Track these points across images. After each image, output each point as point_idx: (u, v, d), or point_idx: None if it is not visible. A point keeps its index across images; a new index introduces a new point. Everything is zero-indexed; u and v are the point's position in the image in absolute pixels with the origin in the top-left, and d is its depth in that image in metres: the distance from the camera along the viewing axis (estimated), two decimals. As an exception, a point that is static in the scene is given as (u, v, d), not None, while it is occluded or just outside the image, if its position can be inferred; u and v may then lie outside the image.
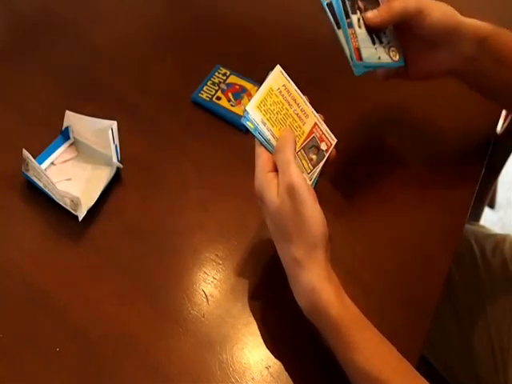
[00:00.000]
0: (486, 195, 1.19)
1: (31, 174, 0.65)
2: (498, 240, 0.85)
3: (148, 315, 0.59)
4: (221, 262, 0.63)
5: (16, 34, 0.83)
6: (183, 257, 0.63)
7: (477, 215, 1.23)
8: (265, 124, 0.55)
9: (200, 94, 0.75)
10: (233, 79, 0.77)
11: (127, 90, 0.77)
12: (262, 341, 0.58)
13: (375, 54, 0.61)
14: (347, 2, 0.59)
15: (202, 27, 0.85)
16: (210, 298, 0.60)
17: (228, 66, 0.78)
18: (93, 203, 0.64)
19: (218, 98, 0.75)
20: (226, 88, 0.76)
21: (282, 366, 0.56)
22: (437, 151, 0.73)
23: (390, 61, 0.62)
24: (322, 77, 0.78)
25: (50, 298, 0.60)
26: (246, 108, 0.55)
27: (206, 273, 0.62)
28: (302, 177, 0.52)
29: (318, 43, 0.83)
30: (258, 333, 0.58)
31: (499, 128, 0.91)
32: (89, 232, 0.64)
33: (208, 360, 0.56)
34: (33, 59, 0.80)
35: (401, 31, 0.63)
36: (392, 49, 0.62)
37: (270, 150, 0.55)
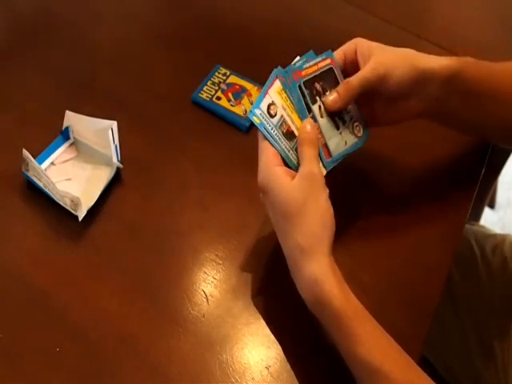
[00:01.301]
0: (485, 195, 1.19)
1: (31, 174, 0.65)
2: (498, 240, 0.85)
3: (148, 315, 0.59)
4: (221, 262, 0.63)
5: (16, 34, 0.83)
6: (183, 257, 0.63)
7: (477, 215, 1.23)
8: (285, 109, 0.56)
9: (200, 94, 0.75)
10: (233, 79, 0.77)
11: (127, 90, 0.77)
12: (262, 341, 0.58)
13: (341, 141, 0.60)
14: (306, 93, 0.58)
15: (201, 27, 0.85)
16: (209, 297, 0.60)
17: (228, 66, 0.78)
18: (93, 203, 0.64)
19: (218, 98, 0.75)
20: (226, 88, 0.76)
21: (282, 366, 0.56)
22: (437, 151, 0.73)
23: (355, 140, 0.61)
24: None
25: (50, 298, 0.60)
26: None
27: (206, 273, 0.62)
28: (322, 172, 0.55)
29: (318, 43, 0.83)
30: (258, 333, 0.58)
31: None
32: (89, 232, 0.64)
33: (208, 360, 0.56)
34: (33, 59, 0.80)
35: (366, 96, 0.60)
36: (356, 124, 0.61)
37: (275, 144, 0.55)
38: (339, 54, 0.61)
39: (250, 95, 0.75)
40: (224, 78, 0.77)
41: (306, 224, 0.52)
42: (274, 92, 0.56)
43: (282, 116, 0.56)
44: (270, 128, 0.55)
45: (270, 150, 0.55)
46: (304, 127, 0.57)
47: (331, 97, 0.59)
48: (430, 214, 0.68)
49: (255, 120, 0.55)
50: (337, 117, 0.60)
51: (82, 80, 0.78)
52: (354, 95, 0.58)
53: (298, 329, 0.59)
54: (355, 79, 0.58)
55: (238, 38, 0.84)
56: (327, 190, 0.54)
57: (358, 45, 0.60)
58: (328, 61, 0.60)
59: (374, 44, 0.60)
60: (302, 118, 0.57)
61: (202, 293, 0.61)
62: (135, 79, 0.79)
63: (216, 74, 0.78)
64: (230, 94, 0.75)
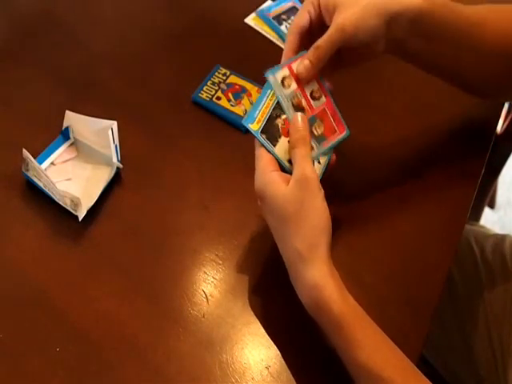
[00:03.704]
0: (485, 195, 1.19)
1: (31, 174, 0.65)
2: (498, 240, 0.85)
3: (148, 315, 0.59)
4: (221, 262, 0.63)
5: (16, 34, 0.83)
6: (183, 257, 0.63)
7: (477, 215, 1.23)
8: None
9: (200, 94, 0.75)
10: (233, 79, 0.77)
11: (127, 90, 0.77)
12: (261, 341, 0.58)
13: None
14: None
15: (202, 27, 0.85)
16: (209, 298, 0.60)
17: (228, 66, 0.78)
18: (93, 203, 0.64)
19: (218, 98, 0.75)
20: (226, 88, 0.76)
21: (282, 366, 0.56)
22: (437, 151, 0.73)
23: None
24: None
25: (50, 298, 0.60)
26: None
27: (205, 273, 0.62)
28: (316, 173, 0.54)
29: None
30: (258, 333, 0.58)
31: (499, 128, 0.92)
32: (89, 232, 0.64)
33: (208, 360, 0.56)
34: (33, 59, 0.80)
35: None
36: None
37: (271, 150, 0.55)
38: (303, 14, 0.59)
39: (249, 95, 0.75)
40: (224, 78, 0.77)
41: (303, 229, 0.52)
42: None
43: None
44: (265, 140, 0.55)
45: (266, 156, 0.55)
46: (295, 125, 0.56)
47: (303, 65, 0.57)
48: (430, 213, 0.68)
49: (250, 127, 0.55)
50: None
51: (82, 80, 0.78)
52: (325, 60, 0.57)
53: (298, 329, 0.59)
54: (324, 43, 0.56)
55: (238, 38, 0.84)
56: (322, 191, 0.53)
57: (322, 4, 0.58)
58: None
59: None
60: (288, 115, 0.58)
61: (202, 293, 0.61)
62: (135, 79, 0.79)
63: (216, 74, 0.78)
64: (230, 94, 0.75)
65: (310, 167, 0.54)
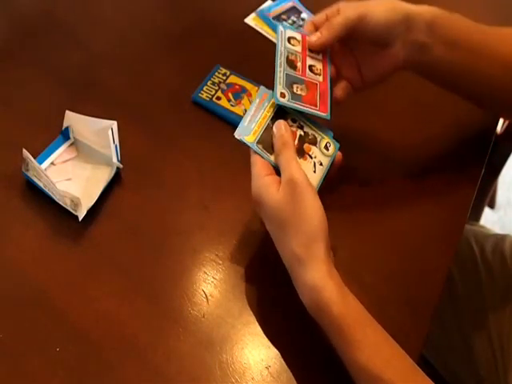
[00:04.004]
0: (485, 195, 1.19)
1: (31, 174, 0.65)
2: (498, 240, 0.85)
3: (148, 315, 0.59)
4: (221, 262, 0.63)
5: (16, 34, 0.83)
6: (183, 257, 0.63)
7: (477, 215, 1.23)
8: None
9: (200, 94, 0.75)
10: (233, 79, 0.77)
11: (127, 89, 0.77)
12: (262, 341, 0.58)
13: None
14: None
15: (202, 27, 0.85)
16: (209, 298, 0.60)
17: (228, 66, 0.78)
18: (93, 203, 0.64)
19: (218, 98, 0.75)
20: (226, 88, 0.76)
21: (282, 366, 0.56)
22: (437, 151, 0.73)
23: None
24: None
25: (50, 298, 0.60)
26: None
27: (205, 273, 0.62)
28: (302, 172, 0.53)
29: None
30: (258, 333, 0.58)
31: (499, 128, 0.91)
32: (89, 232, 0.64)
33: (208, 360, 0.56)
34: (33, 59, 0.80)
35: (347, 44, 0.62)
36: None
37: (268, 158, 0.56)
38: (321, 15, 0.62)
39: (249, 95, 0.75)
40: (224, 78, 0.77)
41: (298, 232, 0.52)
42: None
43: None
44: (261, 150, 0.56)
45: (260, 162, 0.55)
46: (278, 132, 0.56)
47: (314, 36, 0.61)
48: (430, 213, 0.68)
49: (247, 140, 0.56)
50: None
51: (82, 80, 0.78)
52: (336, 33, 0.60)
53: (298, 329, 0.59)
54: (336, 18, 0.59)
55: (238, 38, 0.84)
56: (314, 190, 0.53)
57: (341, 6, 0.61)
58: None
59: (358, 1, 0.61)
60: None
61: (202, 293, 0.61)
62: (135, 79, 0.79)
63: (216, 74, 0.78)
64: (230, 94, 0.75)
65: (296, 169, 0.53)
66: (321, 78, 0.61)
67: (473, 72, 0.63)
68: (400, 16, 0.59)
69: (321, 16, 0.62)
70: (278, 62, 0.59)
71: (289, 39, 0.61)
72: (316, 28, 0.62)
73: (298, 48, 0.61)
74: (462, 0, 0.90)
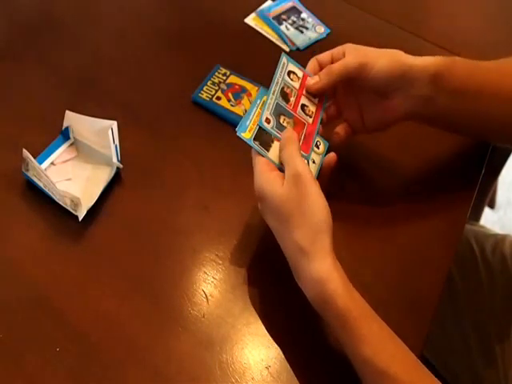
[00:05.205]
0: (485, 195, 1.19)
1: (31, 174, 0.65)
2: (498, 240, 0.85)
3: (148, 315, 0.59)
4: (221, 262, 0.63)
5: (16, 34, 0.83)
6: (183, 257, 0.63)
7: (477, 215, 1.23)
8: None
9: (200, 94, 0.75)
10: (233, 79, 0.77)
11: (127, 90, 0.77)
12: (262, 341, 0.58)
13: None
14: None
15: (202, 27, 0.85)
16: (209, 298, 0.60)
17: (228, 66, 0.78)
18: (93, 203, 0.64)
19: (218, 98, 0.75)
20: (226, 88, 0.76)
21: (282, 366, 0.56)
22: (437, 151, 0.73)
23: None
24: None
25: (50, 297, 0.60)
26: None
27: (205, 273, 0.62)
28: (306, 166, 0.54)
29: (318, 43, 0.83)
30: (258, 333, 0.58)
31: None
32: (89, 232, 0.64)
33: (208, 360, 0.56)
34: (33, 59, 0.80)
35: (351, 88, 0.62)
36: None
37: (265, 155, 0.56)
38: (327, 55, 0.62)
39: (249, 95, 0.75)
40: (224, 78, 0.77)
41: (303, 224, 0.52)
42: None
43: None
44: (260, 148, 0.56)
45: (263, 160, 0.56)
46: (282, 137, 0.57)
47: (312, 80, 0.61)
48: (430, 213, 0.68)
49: (244, 136, 0.56)
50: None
51: (82, 80, 0.78)
52: (334, 79, 0.60)
53: (298, 329, 0.59)
54: (336, 64, 0.60)
55: (238, 38, 0.84)
56: (317, 184, 0.54)
57: (347, 49, 0.61)
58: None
59: (363, 47, 0.61)
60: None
61: (202, 293, 0.61)
62: (135, 79, 0.79)
63: (216, 74, 0.78)
64: (230, 94, 0.75)
65: (301, 163, 0.54)
66: (310, 120, 0.61)
67: (479, 114, 0.63)
68: (402, 70, 0.59)
69: (326, 55, 0.62)
70: (272, 89, 0.59)
71: (289, 73, 0.61)
72: (320, 66, 0.62)
73: (296, 84, 0.61)
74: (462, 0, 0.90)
